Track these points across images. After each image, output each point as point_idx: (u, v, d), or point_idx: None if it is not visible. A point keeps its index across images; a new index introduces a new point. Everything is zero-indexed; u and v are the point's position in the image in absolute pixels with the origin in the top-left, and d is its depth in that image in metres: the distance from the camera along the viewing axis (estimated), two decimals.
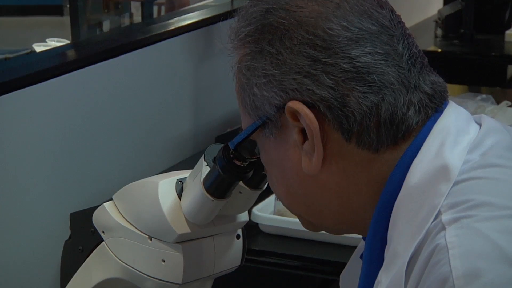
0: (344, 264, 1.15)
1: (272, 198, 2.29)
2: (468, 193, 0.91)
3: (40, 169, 2.29)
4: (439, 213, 0.90)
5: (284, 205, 1.06)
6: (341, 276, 1.13)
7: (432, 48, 3.56)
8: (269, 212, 2.26)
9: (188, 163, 1.18)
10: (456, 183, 0.92)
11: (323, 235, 2.08)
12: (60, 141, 2.25)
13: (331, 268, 2.06)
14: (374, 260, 0.96)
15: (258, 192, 1.16)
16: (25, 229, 2.35)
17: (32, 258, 2.36)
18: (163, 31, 2.40)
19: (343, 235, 1.09)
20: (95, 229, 1.25)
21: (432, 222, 0.90)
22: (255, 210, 2.20)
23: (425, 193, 0.92)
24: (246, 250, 1.24)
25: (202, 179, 1.11)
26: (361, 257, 1.02)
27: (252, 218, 2.12)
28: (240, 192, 1.14)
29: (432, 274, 0.86)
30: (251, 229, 1.22)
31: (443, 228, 0.88)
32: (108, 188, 1.65)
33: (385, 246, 0.95)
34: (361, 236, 1.10)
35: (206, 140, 2.66)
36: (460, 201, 0.90)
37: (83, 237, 1.28)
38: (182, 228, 1.14)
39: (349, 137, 0.96)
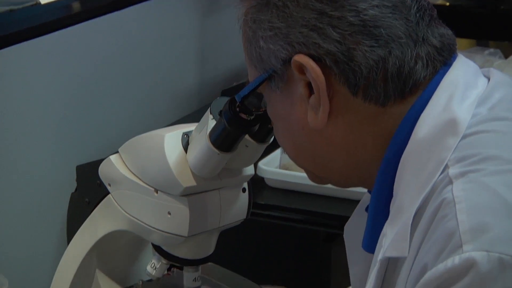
0: (348, 218, 1.16)
1: (277, 152, 2.29)
2: (476, 147, 0.91)
3: (46, 122, 2.29)
4: (446, 167, 0.90)
5: (290, 159, 1.06)
6: (345, 227, 1.13)
7: (440, 1, 3.53)
8: (274, 166, 2.26)
9: (194, 117, 1.18)
10: (464, 136, 0.92)
11: (328, 189, 2.09)
12: (66, 93, 2.25)
13: (335, 222, 2.06)
14: (380, 214, 0.96)
15: (264, 146, 1.16)
16: (31, 182, 2.35)
17: (39, 210, 2.37)
18: None
19: (348, 189, 1.09)
20: (101, 181, 1.25)
21: (439, 176, 0.90)
22: (260, 164, 2.20)
23: (432, 147, 0.92)
24: (252, 204, 1.25)
25: (208, 132, 1.11)
26: (366, 209, 1.02)
27: (257, 172, 2.13)
28: (246, 146, 1.14)
29: (439, 228, 0.86)
30: (257, 183, 1.22)
31: (450, 182, 0.88)
32: (114, 141, 1.65)
33: (391, 199, 0.95)
34: (365, 190, 1.10)
35: (212, 94, 2.65)
36: (467, 155, 0.90)
37: (89, 190, 1.28)
38: (188, 181, 1.14)
39: (356, 91, 0.96)
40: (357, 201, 1.17)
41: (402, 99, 0.96)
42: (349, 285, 1.40)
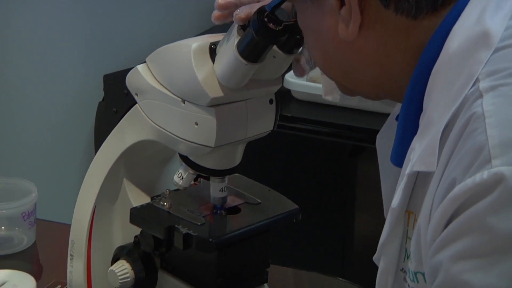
0: (376, 131, 1.15)
1: None
2: (508, 60, 0.89)
3: (75, 31, 2.29)
4: (477, 81, 0.89)
5: (321, 70, 1.05)
6: (377, 137, 1.13)
7: None
8: (302, 78, 2.25)
9: (222, 27, 1.16)
10: (496, 50, 0.90)
11: (355, 102, 2.08)
12: (95, 2, 2.24)
13: (362, 135, 2.07)
14: (409, 128, 0.96)
15: (292, 57, 1.15)
16: (60, 90, 2.37)
17: (67, 119, 2.39)
18: None
19: (376, 102, 1.08)
20: (128, 91, 1.25)
21: (470, 89, 0.89)
22: (287, 76, 2.19)
23: (464, 60, 0.91)
24: (279, 116, 1.24)
25: (235, 42, 1.10)
26: (397, 119, 1.01)
27: (284, 85, 2.12)
28: (274, 57, 1.13)
29: (468, 142, 0.86)
30: (283, 96, 1.21)
31: (481, 96, 0.87)
32: (142, 50, 1.65)
33: (420, 114, 0.94)
34: (395, 103, 1.10)
35: None
36: (499, 68, 0.89)
37: (116, 99, 1.28)
38: (215, 91, 1.14)
39: (387, 3, 0.94)
40: (385, 114, 1.16)
41: (434, 11, 0.94)
42: (374, 199, 1.41)
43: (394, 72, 0.98)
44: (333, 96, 1.24)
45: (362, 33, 0.96)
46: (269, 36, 1.07)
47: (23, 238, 1.56)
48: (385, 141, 1.08)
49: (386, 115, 1.14)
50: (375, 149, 1.14)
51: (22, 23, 2.19)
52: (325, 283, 1.49)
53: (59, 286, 1.42)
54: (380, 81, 1.00)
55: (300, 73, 1.19)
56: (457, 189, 0.84)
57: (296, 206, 1.31)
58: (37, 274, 1.46)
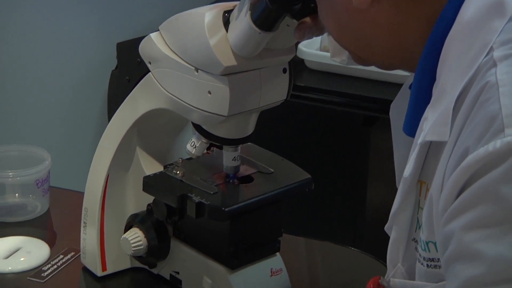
0: (389, 102, 1.15)
1: None
2: None
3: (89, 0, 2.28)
4: (491, 50, 0.88)
5: (334, 39, 1.05)
6: (391, 106, 1.12)
7: None
8: (315, 48, 2.24)
9: None
10: (511, 19, 0.89)
11: (368, 72, 2.08)
12: None
13: (375, 105, 2.06)
14: (422, 96, 0.95)
15: None
16: (74, 59, 2.37)
17: (80, 87, 2.39)
18: None
19: (389, 72, 1.08)
20: (141, 59, 1.25)
21: (484, 58, 0.88)
22: (301, 46, 2.19)
23: (478, 29, 0.90)
24: (292, 85, 1.24)
25: (249, 11, 1.09)
26: (410, 87, 1.01)
27: (298, 54, 2.11)
28: (287, 25, 1.12)
29: (481, 111, 0.85)
30: (297, 65, 1.21)
31: (494, 65, 0.87)
32: (155, 18, 1.64)
33: (434, 83, 0.94)
34: (408, 73, 1.09)
35: None
36: None
37: (129, 67, 1.28)
38: (229, 60, 1.14)
39: None
40: (398, 84, 1.16)
41: None
42: (386, 169, 1.41)
43: (407, 41, 0.97)
44: (341, 59, 1.23)
45: (375, 1, 0.96)
46: (283, 5, 1.07)
47: (37, 205, 1.57)
48: (398, 111, 1.08)
49: (399, 85, 1.14)
50: (388, 119, 1.14)
51: None
52: (337, 253, 1.50)
53: (73, 253, 1.43)
54: (393, 50, 0.99)
55: (299, 36, 1.18)
56: (470, 158, 0.84)
57: (309, 176, 1.31)
58: (50, 241, 1.47)
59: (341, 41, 1.04)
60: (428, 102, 0.94)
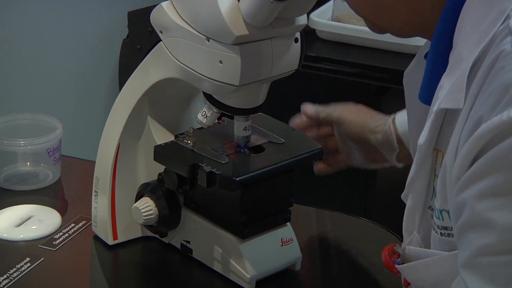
0: (401, 72, 1.14)
1: (330, 3, 2.26)
2: None
3: None
4: (507, 18, 0.87)
5: (350, 7, 1.04)
6: (404, 74, 1.12)
7: None
8: (326, 18, 2.23)
9: None
10: None
11: (381, 42, 2.06)
12: None
13: (387, 75, 2.05)
14: (438, 64, 0.95)
15: None
16: (85, 28, 2.36)
17: (91, 56, 2.39)
18: None
19: (402, 43, 1.07)
20: (152, 28, 1.24)
21: (500, 26, 0.87)
22: (312, 15, 2.17)
23: None
24: (304, 55, 1.24)
25: None
26: (425, 57, 1.00)
27: (309, 24, 2.10)
28: None
29: (495, 80, 0.85)
30: (308, 35, 1.20)
31: (510, 33, 0.86)
32: None
33: (450, 51, 0.93)
34: (422, 44, 1.08)
35: None
36: None
37: (141, 37, 1.27)
38: (240, 29, 1.13)
39: None
40: (411, 55, 1.15)
41: None
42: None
43: (424, 8, 0.97)
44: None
45: None
46: None
47: (48, 174, 1.58)
48: (412, 80, 1.07)
49: (411, 55, 1.13)
50: (399, 89, 1.13)
51: None
52: (347, 223, 1.50)
53: (84, 221, 1.44)
54: (410, 16, 0.98)
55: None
56: (483, 127, 0.84)
57: (320, 146, 1.31)
58: (62, 210, 1.48)
59: (357, 7, 1.03)
60: (444, 70, 0.93)
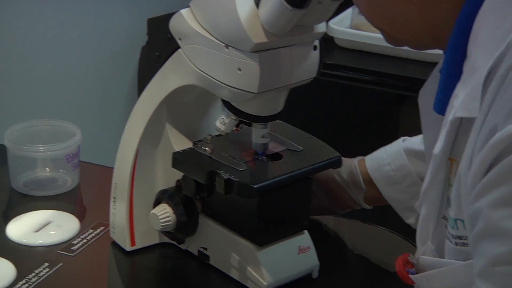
0: (419, 80, 1.14)
1: (349, 11, 2.26)
2: None
3: None
4: None
5: (366, 19, 1.04)
6: (420, 92, 1.12)
7: None
8: (345, 25, 2.23)
9: None
10: None
11: (399, 50, 2.06)
12: None
13: (406, 83, 2.05)
14: (453, 74, 0.95)
15: (337, 3, 1.14)
16: (104, 34, 2.37)
17: (111, 62, 2.40)
18: None
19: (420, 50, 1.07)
20: (172, 35, 1.25)
21: None
22: (331, 23, 2.17)
23: (509, 5, 0.89)
24: (322, 63, 1.24)
25: None
26: (440, 71, 1.00)
27: (328, 32, 2.10)
28: (319, 2, 1.11)
29: (510, 88, 0.85)
30: (327, 43, 1.20)
31: None
32: None
33: (464, 60, 0.93)
34: (440, 53, 1.08)
35: None
36: None
37: (160, 43, 1.28)
38: (259, 37, 1.13)
39: None
40: (430, 63, 1.15)
41: None
42: None
43: (439, 18, 0.97)
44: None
45: None
46: None
47: (67, 180, 1.59)
48: (428, 95, 1.07)
49: (429, 63, 1.13)
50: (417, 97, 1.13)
51: None
52: (364, 231, 1.50)
53: (102, 227, 1.44)
54: (425, 27, 0.98)
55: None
56: (498, 135, 0.83)
57: (338, 154, 1.31)
58: (80, 215, 1.48)
59: (373, 19, 1.03)
60: (459, 80, 0.93)
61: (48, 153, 1.56)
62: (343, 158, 1.33)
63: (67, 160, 1.57)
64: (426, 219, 1.02)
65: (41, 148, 1.56)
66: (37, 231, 1.42)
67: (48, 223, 1.45)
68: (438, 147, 0.96)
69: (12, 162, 1.57)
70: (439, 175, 0.99)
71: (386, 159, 1.39)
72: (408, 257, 1.07)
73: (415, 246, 1.06)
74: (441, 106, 0.97)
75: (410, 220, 1.39)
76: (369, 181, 1.40)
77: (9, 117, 1.80)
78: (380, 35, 1.06)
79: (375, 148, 1.45)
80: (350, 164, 1.41)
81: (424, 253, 1.03)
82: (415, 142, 1.39)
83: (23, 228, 1.43)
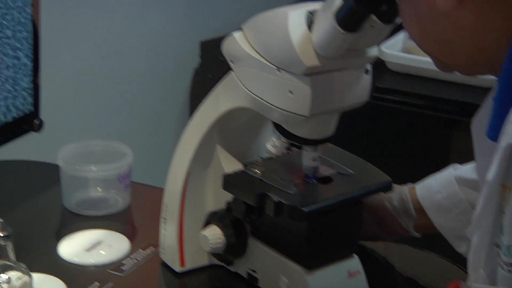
0: (471, 105, 1.13)
1: (400, 35, 2.25)
2: None
3: None
4: None
5: (416, 44, 1.04)
6: (473, 119, 1.11)
7: None
8: (397, 49, 2.22)
9: None
10: None
11: (451, 74, 2.05)
12: None
13: (458, 108, 2.03)
14: (506, 100, 0.94)
15: (390, 27, 1.13)
16: (157, 56, 2.40)
17: (164, 84, 2.42)
18: None
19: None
20: (224, 58, 1.26)
21: None
22: (383, 47, 2.17)
23: None
24: (374, 86, 1.23)
25: (334, 11, 1.09)
26: (493, 98, 0.99)
27: (379, 55, 2.10)
28: (371, 26, 1.11)
29: None
30: (378, 67, 1.20)
31: None
32: (238, 17, 1.65)
33: None
34: (492, 78, 1.07)
35: None
36: None
37: (212, 66, 1.29)
38: (311, 60, 1.14)
39: None
40: (483, 88, 1.15)
41: None
42: None
43: (491, 43, 0.96)
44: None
45: (460, 3, 0.95)
46: (368, 6, 1.06)
47: (118, 200, 1.60)
48: (481, 121, 1.06)
49: (481, 88, 1.12)
50: (469, 122, 1.12)
51: None
52: (414, 256, 1.48)
53: (152, 248, 1.45)
54: (477, 53, 0.98)
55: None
56: None
57: (389, 178, 1.30)
58: (131, 235, 1.49)
59: (424, 46, 1.03)
60: None
61: (100, 173, 1.58)
62: (393, 185, 1.32)
63: (118, 181, 1.58)
64: (478, 247, 1.01)
65: (94, 168, 1.57)
66: (88, 250, 1.44)
67: (99, 242, 1.46)
68: (491, 174, 0.95)
69: (65, 181, 1.58)
70: (492, 201, 0.98)
71: (436, 187, 1.38)
72: (460, 285, 1.06)
73: (466, 273, 1.05)
74: (494, 132, 0.96)
75: (461, 249, 1.37)
76: (419, 209, 1.39)
77: (63, 137, 1.83)
78: (431, 60, 1.05)
79: (425, 173, 1.44)
80: (401, 191, 1.41)
81: (476, 280, 1.02)
82: (467, 170, 1.37)
83: (75, 247, 1.44)
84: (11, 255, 1.26)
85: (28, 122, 1.53)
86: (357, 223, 1.32)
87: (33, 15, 1.46)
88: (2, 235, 1.25)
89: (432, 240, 2.11)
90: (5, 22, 1.41)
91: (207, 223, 1.35)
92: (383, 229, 1.43)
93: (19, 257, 1.25)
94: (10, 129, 1.49)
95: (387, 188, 1.30)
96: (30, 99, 1.53)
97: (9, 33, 1.43)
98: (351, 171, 1.31)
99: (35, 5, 1.45)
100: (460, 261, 1.35)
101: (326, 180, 1.29)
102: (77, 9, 2.15)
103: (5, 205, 1.57)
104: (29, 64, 1.50)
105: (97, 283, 1.35)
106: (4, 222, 1.26)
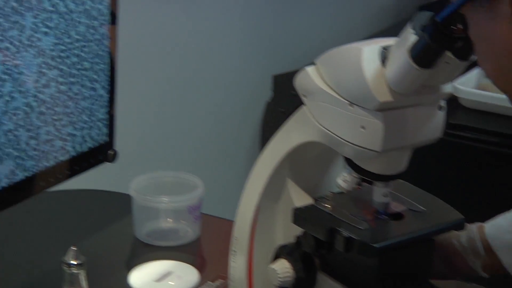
0: None
1: (474, 72, 2.23)
2: None
3: (246, 32, 2.33)
4: None
5: (492, 82, 1.03)
6: None
7: None
8: (471, 86, 2.20)
9: (390, 31, 1.15)
10: None
11: None
12: (264, 3, 2.27)
13: None
14: None
15: (466, 63, 1.12)
16: (229, 89, 2.42)
17: (235, 117, 2.44)
18: None
19: None
20: (296, 92, 1.26)
21: None
22: (456, 83, 2.15)
23: None
24: (446, 123, 1.22)
25: (408, 47, 1.09)
26: None
27: (453, 92, 2.08)
28: (446, 62, 1.11)
29: None
30: (451, 103, 1.19)
31: None
32: (310, 52, 1.66)
33: None
34: None
35: (408, 8, 2.59)
36: None
37: (284, 100, 1.30)
38: (384, 95, 1.13)
39: None
40: None
41: None
42: None
43: None
44: None
45: None
46: (444, 42, 1.06)
47: (188, 231, 1.61)
48: None
49: None
50: None
51: (196, 22, 2.25)
52: None
53: (221, 280, 1.45)
54: None
55: None
56: None
57: (462, 216, 1.28)
58: (200, 267, 1.50)
59: (499, 83, 1.02)
60: None
61: (171, 204, 1.59)
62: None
63: (189, 212, 1.59)
64: None
65: (165, 199, 1.59)
66: (158, 280, 1.45)
67: (168, 273, 1.47)
68: None
69: (137, 212, 1.60)
70: None
71: (507, 227, 1.36)
72: None
73: None
74: None
75: None
76: (488, 248, 1.36)
77: (135, 168, 1.85)
78: (505, 97, 1.04)
79: (496, 212, 1.41)
80: (469, 229, 1.38)
81: None
82: None
83: (145, 277, 1.45)
84: (84, 283, 1.28)
85: (103, 153, 1.56)
86: (428, 260, 1.30)
87: (110, 48, 1.49)
88: (75, 263, 1.27)
89: (505, 280, 2.06)
90: (83, 55, 1.44)
91: (277, 256, 1.34)
92: (449, 267, 1.40)
93: (91, 286, 1.26)
94: (86, 159, 1.52)
95: (459, 226, 1.28)
96: (105, 130, 1.55)
97: (87, 65, 1.46)
98: (422, 207, 1.29)
99: (113, 38, 1.49)
100: None
101: (397, 216, 1.28)
102: (152, 42, 2.19)
103: (78, 234, 1.59)
104: (105, 96, 1.53)
105: None
106: (77, 251, 1.28)
